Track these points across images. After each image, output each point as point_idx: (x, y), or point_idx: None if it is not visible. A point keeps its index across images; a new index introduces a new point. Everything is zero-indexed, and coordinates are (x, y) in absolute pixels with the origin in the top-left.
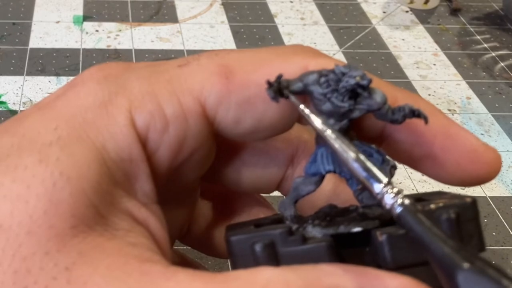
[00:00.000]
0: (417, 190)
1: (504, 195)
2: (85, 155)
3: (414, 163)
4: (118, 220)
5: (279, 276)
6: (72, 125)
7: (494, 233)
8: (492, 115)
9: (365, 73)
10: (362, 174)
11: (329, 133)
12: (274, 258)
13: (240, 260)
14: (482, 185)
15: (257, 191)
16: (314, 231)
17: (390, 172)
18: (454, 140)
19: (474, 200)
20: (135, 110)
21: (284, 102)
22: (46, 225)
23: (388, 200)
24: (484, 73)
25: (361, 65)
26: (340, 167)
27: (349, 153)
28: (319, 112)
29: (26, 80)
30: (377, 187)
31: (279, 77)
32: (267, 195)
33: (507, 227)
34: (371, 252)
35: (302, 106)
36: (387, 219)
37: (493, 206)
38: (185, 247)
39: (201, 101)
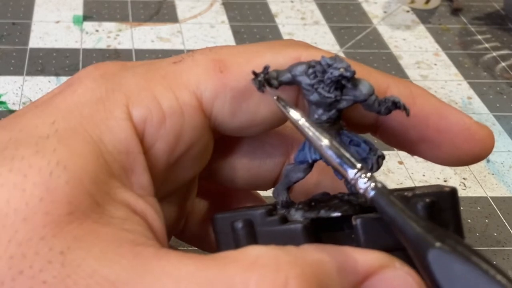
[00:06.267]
0: None
1: (506, 196)
2: (82, 147)
3: (411, 148)
4: (114, 209)
5: (268, 252)
6: (69, 119)
7: (495, 234)
8: (493, 115)
9: (350, 65)
10: (335, 160)
11: (302, 122)
12: (252, 236)
13: (222, 237)
14: (483, 186)
15: (253, 188)
16: (296, 215)
17: (377, 161)
18: (447, 120)
19: (452, 190)
20: (132, 105)
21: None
22: (42, 212)
23: (362, 184)
24: (485, 73)
25: None
26: None
27: (323, 141)
28: (308, 102)
29: (26, 80)
30: (351, 173)
31: (266, 68)
32: (264, 192)
33: (508, 228)
34: (348, 236)
35: (275, 98)
36: (370, 206)
37: (494, 206)
38: (185, 247)
39: (197, 95)
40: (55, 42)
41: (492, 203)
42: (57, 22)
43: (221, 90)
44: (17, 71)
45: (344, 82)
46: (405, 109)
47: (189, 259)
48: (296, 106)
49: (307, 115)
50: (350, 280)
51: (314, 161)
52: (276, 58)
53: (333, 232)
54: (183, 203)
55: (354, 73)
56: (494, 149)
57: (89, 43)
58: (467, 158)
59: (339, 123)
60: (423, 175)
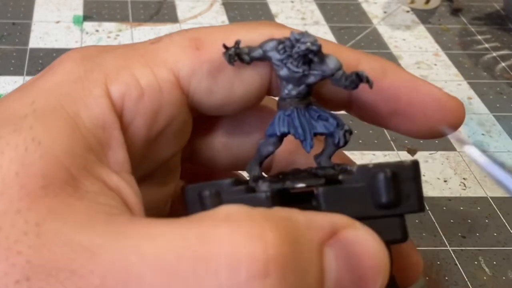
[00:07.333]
0: None
1: (506, 196)
2: (57, 122)
3: (384, 122)
4: (89, 184)
5: (239, 208)
6: (48, 98)
7: (495, 234)
8: (493, 116)
9: (317, 39)
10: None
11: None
12: (219, 204)
13: (191, 206)
14: (483, 186)
15: (235, 168)
16: (263, 186)
17: (344, 136)
18: (418, 92)
19: (414, 161)
20: (111, 82)
21: (253, 70)
22: (17, 186)
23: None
24: (485, 73)
25: None
26: (294, 129)
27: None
28: (278, 78)
29: (26, 80)
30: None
31: (237, 42)
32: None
33: (508, 228)
34: (312, 208)
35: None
36: (335, 179)
37: (494, 206)
38: None
39: (175, 72)
40: (55, 42)
41: (492, 203)
42: (57, 22)
43: (198, 67)
44: (17, 71)
45: (311, 56)
46: (367, 81)
47: (162, 221)
48: (271, 83)
49: (282, 91)
50: (317, 237)
51: (283, 134)
52: (250, 36)
53: (299, 205)
54: (165, 184)
55: (320, 46)
56: (494, 149)
57: (89, 43)
58: (439, 130)
59: (309, 98)
60: (423, 175)
